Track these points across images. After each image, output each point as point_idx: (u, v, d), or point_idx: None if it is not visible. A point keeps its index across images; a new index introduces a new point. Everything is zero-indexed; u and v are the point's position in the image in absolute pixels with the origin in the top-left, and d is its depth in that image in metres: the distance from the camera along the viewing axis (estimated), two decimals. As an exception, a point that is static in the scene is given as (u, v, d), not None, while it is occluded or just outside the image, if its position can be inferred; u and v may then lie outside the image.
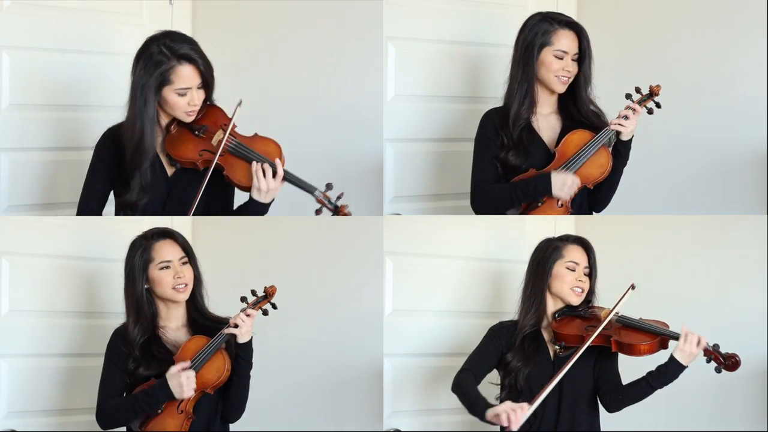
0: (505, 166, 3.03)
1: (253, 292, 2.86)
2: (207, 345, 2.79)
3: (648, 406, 3.37)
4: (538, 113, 3.03)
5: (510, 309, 3.51)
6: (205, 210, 2.89)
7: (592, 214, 3.08)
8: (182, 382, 2.73)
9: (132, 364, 2.85)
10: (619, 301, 2.84)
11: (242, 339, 2.80)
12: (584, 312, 2.92)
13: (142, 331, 2.85)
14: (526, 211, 3.03)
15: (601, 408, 2.93)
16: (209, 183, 2.83)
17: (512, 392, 2.91)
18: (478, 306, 3.53)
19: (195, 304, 2.90)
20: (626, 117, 2.90)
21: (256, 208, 2.83)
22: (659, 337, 2.78)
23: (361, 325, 3.35)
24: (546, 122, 3.03)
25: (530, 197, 2.97)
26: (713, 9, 3.44)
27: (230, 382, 2.83)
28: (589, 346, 2.80)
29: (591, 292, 2.95)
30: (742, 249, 3.34)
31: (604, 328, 2.82)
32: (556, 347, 2.89)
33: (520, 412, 2.66)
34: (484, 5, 3.61)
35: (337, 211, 2.83)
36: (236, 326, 2.78)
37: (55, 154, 3.35)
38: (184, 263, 2.86)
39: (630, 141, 2.94)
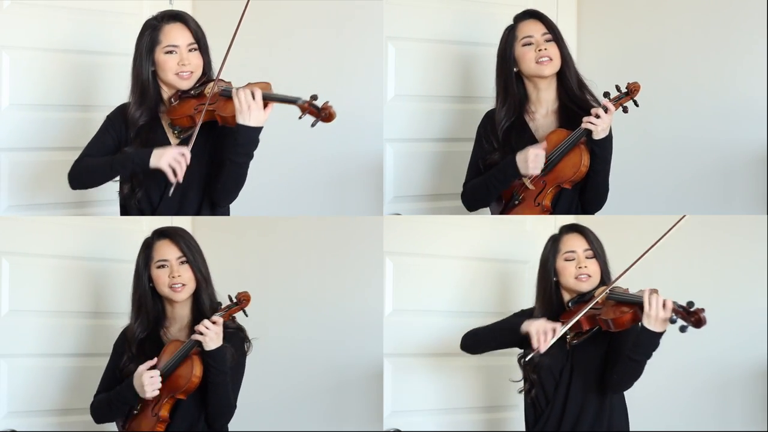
0: (493, 167, 3.04)
1: (230, 298, 2.85)
2: (178, 349, 2.79)
3: (648, 405, 3.38)
4: (536, 113, 3.02)
5: (509, 308, 3.51)
6: (209, 166, 2.88)
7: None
8: (144, 381, 2.74)
9: (126, 361, 2.87)
10: (612, 282, 2.80)
11: (208, 346, 2.76)
12: (587, 296, 2.84)
13: (142, 328, 2.87)
14: (504, 211, 3.04)
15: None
16: (209, 148, 2.85)
17: (536, 388, 2.89)
18: (478, 306, 3.53)
19: (197, 306, 2.88)
20: (597, 116, 2.84)
21: (244, 135, 2.77)
22: (635, 305, 2.69)
23: (361, 325, 3.35)
24: (544, 122, 3.02)
25: (503, 182, 2.98)
26: (713, 8, 3.44)
27: (206, 389, 2.81)
28: (601, 331, 2.77)
29: (605, 273, 2.87)
30: (742, 249, 3.34)
31: (595, 308, 2.77)
32: (568, 336, 2.82)
33: (551, 335, 2.74)
34: (484, 5, 3.61)
35: (320, 112, 2.73)
36: (201, 333, 2.76)
37: (55, 154, 3.35)
38: (181, 263, 2.86)
39: (605, 141, 2.88)
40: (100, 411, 2.90)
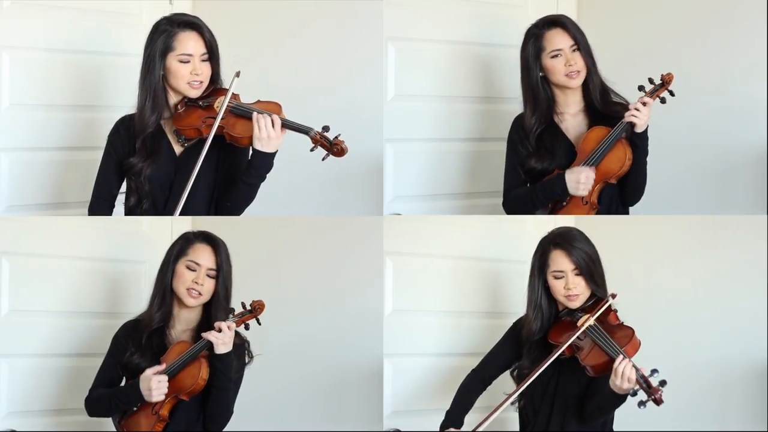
0: (532, 172, 3.06)
1: (243, 305, 2.86)
2: (187, 350, 2.80)
3: (649, 405, 3.37)
4: (564, 113, 3.05)
5: (509, 309, 3.52)
6: (215, 180, 2.89)
7: (627, 212, 3.09)
8: (152, 386, 2.75)
9: (129, 354, 2.86)
10: (595, 312, 2.79)
11: (219, 350, 2.78)
12: (575, 316, 2.84)
13: (160, 318, 2.87)
14: (553, 212, 3.05)
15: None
16: (218, 155, 2.86)
17: (525, 398, 2.92)
18: (478, 306, 3.53)
19: (207, 316, 2.88)
20: (638, 109, 2.89)
21: (260, 160, 2.81)
22: (609, 357, 2.70)
23: (361, 325, 3.35)
24: (574, 122, 3.05)
25: (550, 198, 3.01)
26: (713, 8, 3.44)
27: (209, 393, 2.82)
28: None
29: (596, 288, 2.85)
30: (742, 249, 3.34)
31: (579, 338, 2.78)
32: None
33: None
34: (484, 5, 3.61)
35: (332, 146, 2.78)
36: (215, 336, 2.77)
37: (55, 154, 3.35)
38: (209, 275, 2.86)
39: (646, 132, 2.93)
40: (97, 406, 2.89)
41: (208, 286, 2.86)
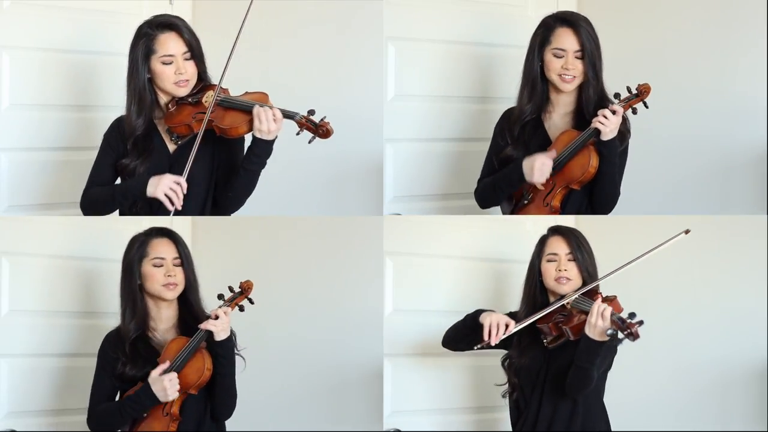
0: (506, 162, 3.04)
1: (230, 289, 2.87)
2: (186, 345, 2.80)
3: (649, 405, 3.38)
4: (553, 113, 3.03)
5: (509, 308, 3.52)
6: (210, 178, 2.91)
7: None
8: (165, 385, 2.75)
9: (120, 366, 2.85)
10: (579, 290, 2.82)
11: (219, 336, 2.79)
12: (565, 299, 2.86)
13: (135, 327, 2.86)
14: (514, 210, 3.04)
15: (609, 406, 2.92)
16: (212, 150, 2.89)
17: (516, 390, 2.93)
18: (478, 306, 3.52)
19: (187, 307, 2.90)
20: (605, 116, 2.84)
21: (261, 147, 2.83)
22: (584, 315, 2.72)
23: (361, 325, 3.35)
24: (560, 122, 3.02)
25: (510, 185, 3.00)
26: (713, 8, 3.44)
27: (214, 382, 2.83)
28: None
29: (586, 278, 2.87)
30: (742, 249, 3.34)
31: (563, 314, 2.81)
32: (544, 340, 2.85)
33: (502, 329, 2.81)
34: (484, 5, 3.61)
35: (317, 128, 2.80)
36: (213, 324, 2.78)
37: (55, 154, 3.35)
38: (176, 264, 2.87)
39: (612, 142, 2.87)
40: (105, 421, 2.85)
41: (180, 276, 2.87)
